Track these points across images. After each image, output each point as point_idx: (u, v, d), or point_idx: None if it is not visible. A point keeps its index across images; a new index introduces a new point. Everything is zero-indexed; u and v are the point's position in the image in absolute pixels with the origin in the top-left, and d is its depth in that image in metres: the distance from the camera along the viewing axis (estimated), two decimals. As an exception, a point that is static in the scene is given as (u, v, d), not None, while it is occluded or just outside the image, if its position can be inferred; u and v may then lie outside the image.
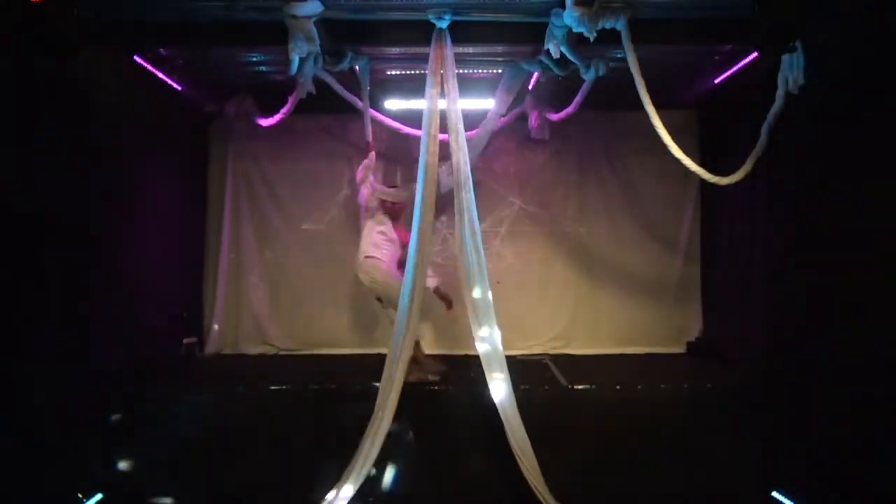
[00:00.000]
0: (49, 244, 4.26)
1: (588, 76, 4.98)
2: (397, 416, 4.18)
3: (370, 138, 5.47)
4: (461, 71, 4.88)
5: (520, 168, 6.78)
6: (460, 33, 4.31)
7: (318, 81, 5.03)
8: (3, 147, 3.90)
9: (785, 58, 4.22)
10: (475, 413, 4.64)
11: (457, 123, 4.20)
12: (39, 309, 4.18)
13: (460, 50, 4.76)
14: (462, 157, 4.15)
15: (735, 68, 5.34)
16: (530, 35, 4.45)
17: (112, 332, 4.96)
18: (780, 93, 4.32)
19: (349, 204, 6.58)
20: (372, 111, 5.72)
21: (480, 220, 4.18)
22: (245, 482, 4.61)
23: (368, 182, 5.54)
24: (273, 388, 4.93)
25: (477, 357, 4.15)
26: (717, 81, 5.67)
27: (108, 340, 4.91)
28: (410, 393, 4.62)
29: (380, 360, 4.19)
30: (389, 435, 4.06)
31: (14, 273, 3.97)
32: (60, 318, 4.40)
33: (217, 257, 6.69)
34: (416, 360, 5.03)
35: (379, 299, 5.53)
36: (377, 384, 4.12)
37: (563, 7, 3.90)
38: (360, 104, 5.39)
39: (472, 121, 5.36)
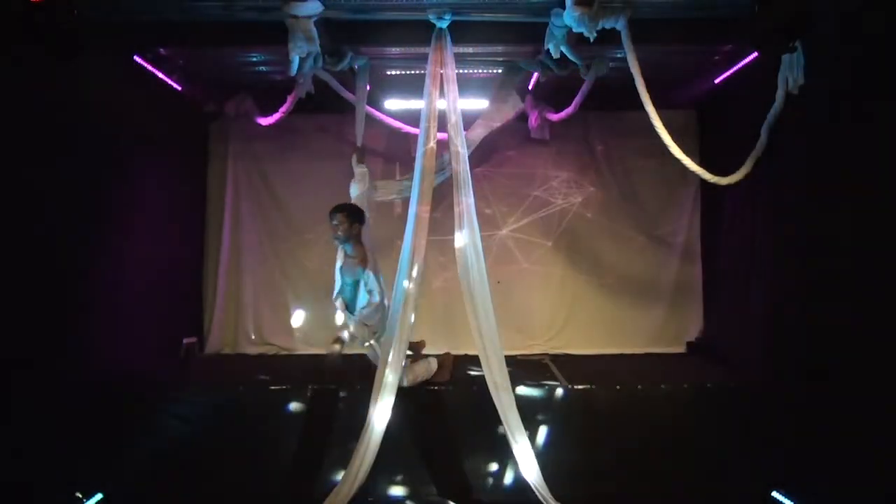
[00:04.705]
0: (48, 244, 4.27)
1: (588, 76, 4.98)
2: (396, 417, 4.19)
3: (359, 142, 5.25)
4: (461, 71, 4.88)
5: (519, 168, 6.78)
6: (460, 33, 4.31)
7: (317, 81, 5.03)
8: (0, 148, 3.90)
9: (785, 57, 4.22)
10: (474, 412, 4.64)
11: (457, 123, 4.20)
12: (38, 309, 4.18)
13: (460, 50, 4.76)
14: (462, 158, 4.15)
15: (735, 68, 5.34)
16: (530, 35, 4.46)
17: (111, 332, 4.97)
18: (780, 93, 4.33)
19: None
20: (371, 109, 5.73)
21: (479, 219, 4.18)
22: (244, 482, 4.62)
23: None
24: (273, 388, 4.93)
25: (476, 357, 4.16)
26: (717, 81, 5.67)
27: (108, 340, 4.91)
28: (408, 393, 4.64)
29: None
30: (388, 435, 4.07)
31: (13, 272, 3.97)
32: (60, 317, 4.40)
33: (217, 257, 6.70)
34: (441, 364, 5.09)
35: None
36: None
37: (563, 7, 3.89)
38: (362, 105, 5.39)
39: (471, 121, 5.37)
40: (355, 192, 5.11)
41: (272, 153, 6.66)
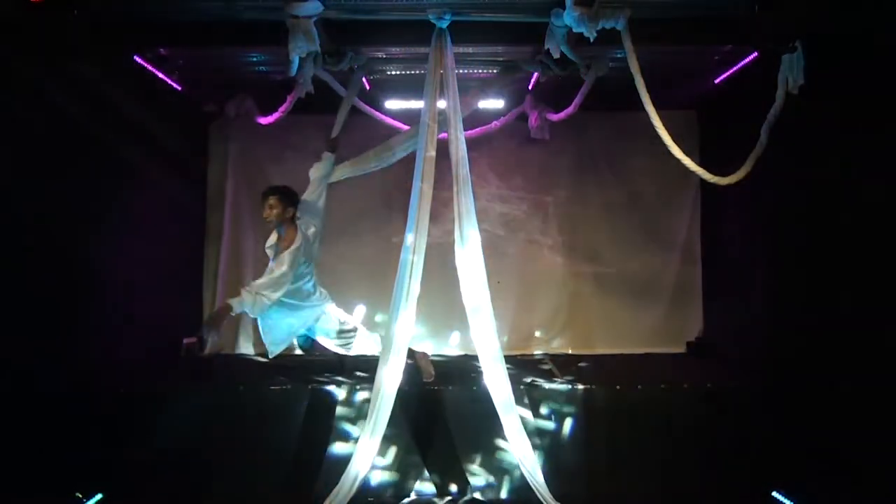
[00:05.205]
0: (47, 244, 4.27)
1: (588, 76, 4.99)
2: (396, 418, 4.19)
3: (335, 133, 5.14)
4: (461, 71, 4.88)
5: (519, 168, 6.78)
6: (460, 33, 4.31)
7: (317, 81, 5.03)
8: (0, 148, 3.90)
9: (785, 57, 4.23)
10: (474, 412, 4.65)
11: (456, 123, 4.20)
12: (38, 308, 4.18)
13: (460, 50, 4.76)
14: (462, 157, 4.15)
15: (735, 68, 5.34)
16: (530, 35, 4.46)
17: (111, 331, 4.97)
18: (780, 93, 4.33)
19: (348, 202, 6.57)
20: (371, 109, 5.72)
21: (479, 219, 4.17)
22: (244, 482, 4.62)
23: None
24: (273, 388, 4.93)
25: (476, 356, 4.16)
26: (717, 81, 5.67)
27: (108, 341, 4.91)
28: (408, 394, 4.64)
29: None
30: (388, 434, 4.07)
31: (13, 272, 3.97)
32: (59, 317, 4.40)
33: (217, 257, 6.70)
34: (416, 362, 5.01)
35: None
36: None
37: (563, 7, 3.90)
38: (350, 99, 5.33)
39: (471, 121, 5.37)
40: (313, 175, 4.98)
41: (272, 153, 6.66)
